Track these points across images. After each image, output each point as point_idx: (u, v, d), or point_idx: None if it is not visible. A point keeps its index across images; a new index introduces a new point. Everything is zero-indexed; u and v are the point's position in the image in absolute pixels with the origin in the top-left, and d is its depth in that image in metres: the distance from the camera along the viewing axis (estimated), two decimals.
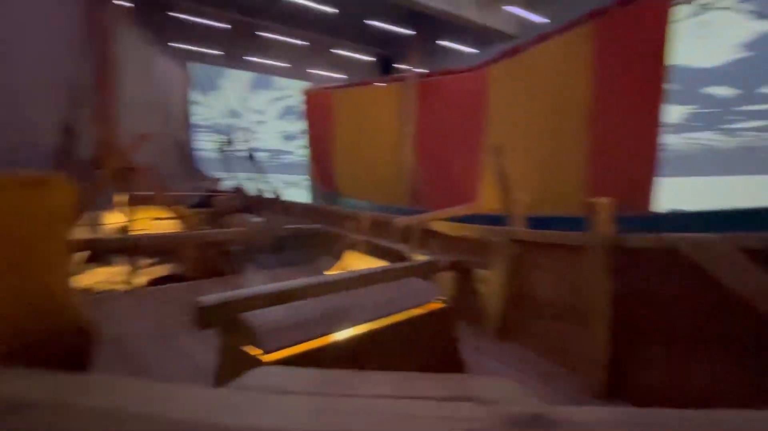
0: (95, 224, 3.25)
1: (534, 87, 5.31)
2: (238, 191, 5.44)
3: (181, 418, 0.35)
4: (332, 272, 2.95)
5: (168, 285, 3.06)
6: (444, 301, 1.53)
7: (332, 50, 13.08)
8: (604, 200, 1.61)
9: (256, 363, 1.00)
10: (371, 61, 14.42)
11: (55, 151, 3.47)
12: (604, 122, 4.10)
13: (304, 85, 10.27)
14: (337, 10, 9.56)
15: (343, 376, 0.63)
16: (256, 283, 3.21)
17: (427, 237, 2.79)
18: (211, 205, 5.41)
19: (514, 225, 2.19)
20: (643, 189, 3.51)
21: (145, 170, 3.24)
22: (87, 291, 3.03)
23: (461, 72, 7.06)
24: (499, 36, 8.76)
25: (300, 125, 9.18)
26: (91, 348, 0.62)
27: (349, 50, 13.27)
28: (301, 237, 4.03)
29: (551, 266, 2.02)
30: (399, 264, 1.93)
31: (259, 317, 1.10)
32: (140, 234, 3.30)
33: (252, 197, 5.53)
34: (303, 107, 9.11)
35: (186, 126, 8.43)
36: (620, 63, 3.90)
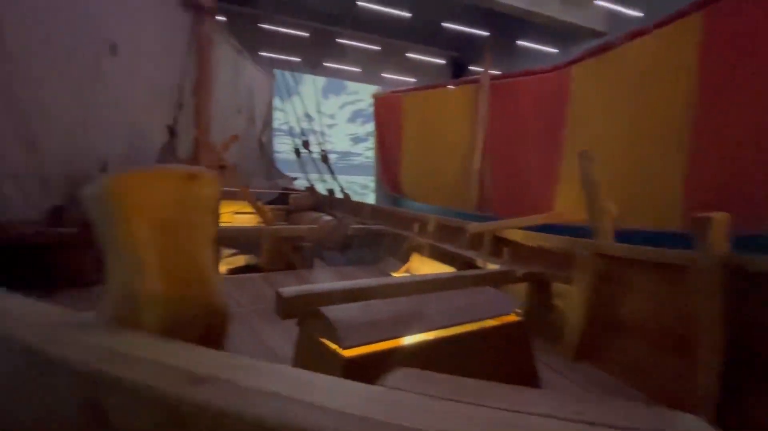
0: None
1: (625, 87, 4.82)
2: (310, 190, 5.71)
3: (350, 412, 0.35)
4: (398, 274, 2.96)
5: (245, 274, 3.30)
6: (520, 314, 1.44)
7: (404, 54, 13.23)
8: (719, 215, 1.39)
9: (333, 356, 1.02)
10: (443, 64, 14.30)
11: (160, 150, 3.93)
12: (713, 125, 3.56)
13: (375, 89, 10.50)
14: (410, 14, 9.63)
15: (473, 385, 0.62)
16: (325, 279, 3.33)
17: (498, 245, 2.67)
18: (286, 202, 5.76)
19: (600, 237, 2.00)
20: (765, 203, 2.99)
21: (232, 168, 3.54)
22: None
23: (539, 73, 6.68)
24: (584, 33, 8.13)
25: (368, 128, 9.41)
26: (225, 330, 0.68)
27: (420, 53, 13.30)
28: (367, 236, 4.11)
29: (645, 286, 1.81)
30: (472, 272, 1.87)
31: (339, 313, 1.13)
32: (224, 227, 3.62)
33: (323, 196, 5.75)
34: (373, 110, 9.33)
35: (267, 129, 9.09)
36: (739, 55, 3.36)
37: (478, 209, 7.57)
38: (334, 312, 1.12)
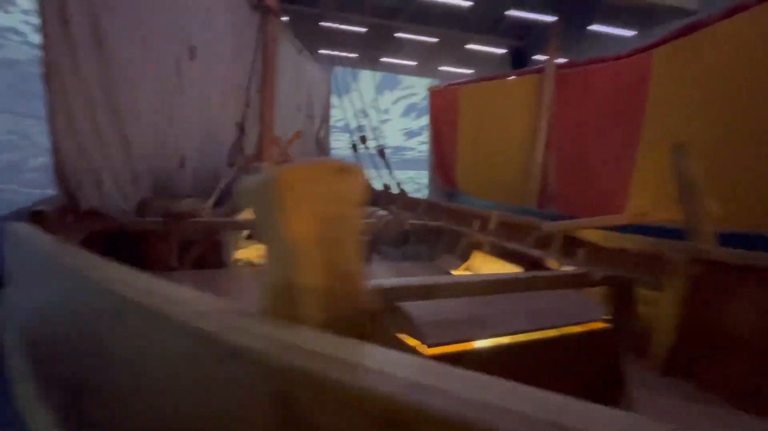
0: None
1: (722, 71, 4.26)
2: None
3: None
4: (458, 272, 2.88)
5: None
6: (609, 322, 1.31)
7: (462, 45, 12.83)
8: None
9: (414, 353, 1.00)
10: (502, 54, 13.69)
11: (231, 147, 4.18)
12: None
13: (431, 82, 10.33)
14: (471, 2, 9.28)
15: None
16: (382, 274, 3.34)
17: (570, 245, 2.49)
18: None
19: (700, 240, 1.77)
20: None
21: None
22: (249, 263, 3.59)
23: (612, 59, 6.13)
24: (670, 13, 7.30)
25: (422, 122, 9.31)
26: (374, 327, 0.68)
27: (479, 44, 12.80)
28: (424, 233, 4.06)
29: (755, 296, 1.58)
30: (546, 273, 1.75)
31: (418, 309, 1.10)
32: None
33: (379, 191, 5.78)
34: (428, 104, 9.19)
35: (325, 125, 9.33)
36: None
37: (539, 205, 7.19)
38: (414, 308, 1.09)
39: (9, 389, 1.13)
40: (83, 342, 0.89)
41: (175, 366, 0.64)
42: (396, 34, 12.20)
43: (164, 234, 2.87)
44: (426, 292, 1.35)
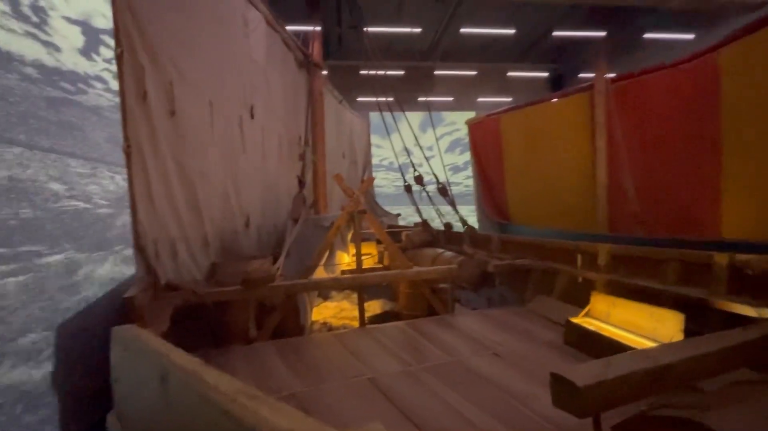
0: (331, 264, 3.58)
1: None
2: (424, 225, 5.47)
3: None
4: (578, 319, 2.43)
5: (389, 323, 3.07)
6: None
7: (501, 74, 12.73)
8: None
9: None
10: (542, 78, 13.47)
11: (294, 200, 4.06)
12: None
13: (470, 115, 10.24)
14: (513, 31, 9.30)
15: None
16: (474, 325, 2.92)
17: (741, 279, 1.99)
18: (397, 240, 5.58)
19: None
20: None
21: (370, 212, 3.44)
22: (325, 325, 3.31)
23: (671, 66, 5.73)
24: (731, 10, 6.87)
25: (466, 157, 9.11)
26: None
27: (519, 71, 12.66)
28: (509, 273, 3.65)
29: None
30: (756, 328, 1.31)
31: None
32: (366, 272, 3.45)
33: (438, 231, 5.47)
34: (468, 137, 9.02)
35: (368, 167, 9.33)
36: None
37: (611, 229, 6.57)
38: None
39: None
40: None
41: None
42: (435, 72, 12.39)
43: (242, 303, 2.67)
44: (659, 375, 0.99)
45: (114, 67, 2.37)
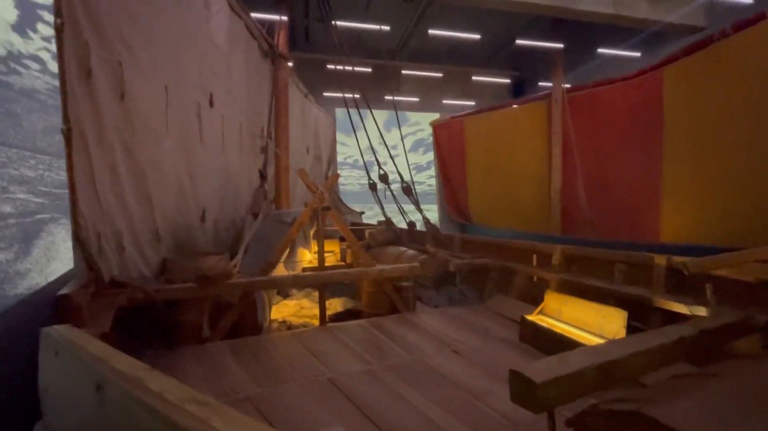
0: (292, 261, 3.48)
1: (744, 82, 4.24)
2: (387, 224, 5.47)
3: None
4: (533, 317, 2.53)
5: (352, 322, 3.04)
6: None
7: (465, 78, 13.02)
8: None
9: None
10: (503, 85, 13.93)
11: (254, 194, 3.91)
12: None
13: (435, 116, 10.39)
14: (478, 36, 9.54)
15: None
16: (434, 323, 2.95)
17: (681, 279, 2.15)
18: (360, 238, 5.54)
19: None
20: None
21: (335, 209, 3.38)
22: (284, 323, 3.20)
23: (622, 79, 6.13)
24: (675, 31, 7.45)
25: (429, 157, 9.24)
26: None
27: (483, 75, 13.01)
28: (469, 272, 3.73)
29: None
30: (688, 329, 1.41)
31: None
32: (328, 269, 3.39)
33: (401, 230, 5.49)
34: (432, 138, 9.15)
35: (332, 165, 9.20)
36: None
37: (564, 231, 6.93)
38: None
39: None
40: None
41: None
42: (403, 72, 12.41)
43: (196, 301, 2.52)
44: (610, 372, 1.04)
45: (54, 47, 2.13)
